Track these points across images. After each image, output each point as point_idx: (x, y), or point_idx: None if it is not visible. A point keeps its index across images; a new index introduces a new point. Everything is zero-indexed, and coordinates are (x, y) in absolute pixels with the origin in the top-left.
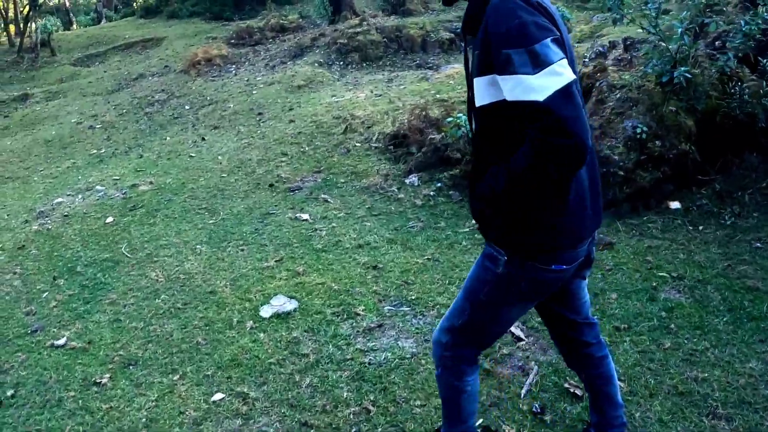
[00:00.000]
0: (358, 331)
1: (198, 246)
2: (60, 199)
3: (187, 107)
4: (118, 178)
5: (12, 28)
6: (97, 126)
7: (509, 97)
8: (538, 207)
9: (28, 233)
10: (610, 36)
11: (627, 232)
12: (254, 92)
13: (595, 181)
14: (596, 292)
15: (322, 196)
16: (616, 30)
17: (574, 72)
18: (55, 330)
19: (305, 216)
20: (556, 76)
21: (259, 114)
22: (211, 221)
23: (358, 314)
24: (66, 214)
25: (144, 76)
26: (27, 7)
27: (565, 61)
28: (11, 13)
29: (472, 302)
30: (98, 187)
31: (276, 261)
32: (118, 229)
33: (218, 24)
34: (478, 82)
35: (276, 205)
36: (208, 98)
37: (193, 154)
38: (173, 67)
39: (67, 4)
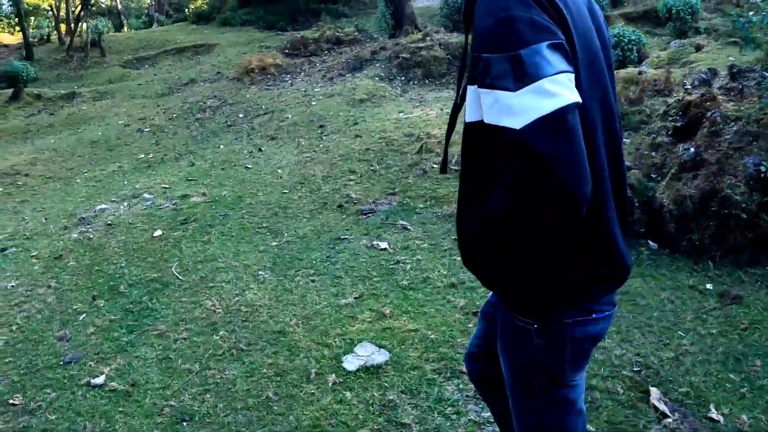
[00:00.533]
0: (467, 396)
1: (261, 272)
2: (103, 206)
3: (241, 115)
4: (167, 186)
5: (63, 27)
6: (146, 130)
7: (485, 118)
8: (546, 250)
9: (67, 242)
10: (698, 63)
11: (752, 284)
12: (313, 103)
13: (624, 208)
14: (737, 356)
15: (401, 222)
16: (703, 56)
17: (603, 96)
18: (92, 364)
19: (383, 245)
20: (545, 96)
21: (321, 127)
22: (274, 243)
23: (464, 373)
24: (109, 222)
25: (195, 81)
26: (79, 7)
27: (565, 77)
28: (62, 13)
29: (531, 398)
30: (146, 195)
31: (355, 297)
32: (168, 245)
33: (272, 33)
34: (469, 90)
35: (348, 230)
36: (264, 107)
37: (249, 166)
38: (226, 73)
39: (119, 6)
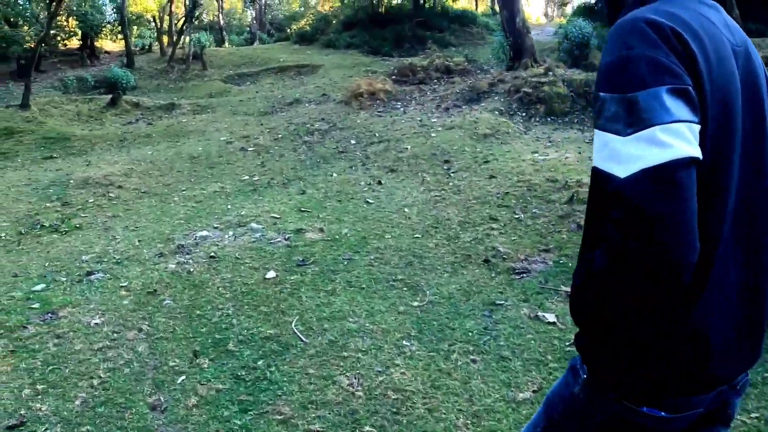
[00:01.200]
0: None
1: (405, 342)
2: (205, 233)
3: (353, 141)
4: (277, 216)
5: (165, 38)
6: (250, 149)
7: (595, 161)
8: (630, 320)
9: (163, 273)
10: None
11: None
12: (433, 135)
13: (758, 297)
14: None
15: (563, 288)
16: None
17: (748, 152)
18: None
19: (549, 317)
20: (655, 146)
21: (446, 162)
22: (414, 303)
23: None
24: (212, 254)
25: (300, 101)
26: (182, 20)
27: (683, 127)
28: (165, 24)
29: (547, 418)
30: (253, 225)
31: (533, 391)
32: (284, 292)
33: (377, 58)
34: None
35: (501, 292)
36: (377, 135)
37: (370, 200)
38: (332, 96)
39: (221, 21)
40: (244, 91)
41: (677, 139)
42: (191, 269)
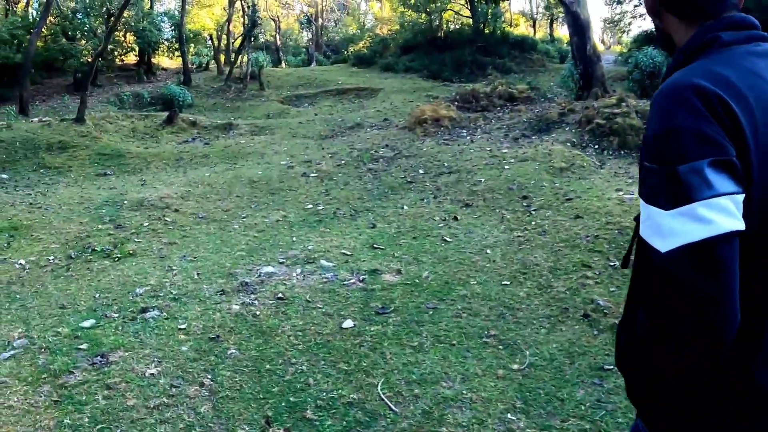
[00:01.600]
0: None
1: (511, 416)
2: (270, 269)
3: (421, 171)
4: (348, 253)
5: (222, 57)
6: (312, 175)
7: (640, 229)
8: (675, 380)
9: (225, 315)
10: None
11: None
12: (506, 167)
13: None
14: None
15: None
16: None
17: None
18: None
19: None
20: (696, 222)
21: (524, 197)
22: (514, 365)
23: None
24: (280, 295)
25: (361, 126)
26: (239, 39)
27: (726, 201)
28: (222, 43)
29: None
30: (323, 262)
31: None
32: (365, 346)
33: (437, 83)
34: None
35: (608, 355)
36: (446, 165)
37: (447, 238)
38: (394, 121)
39: (278, 42)
40: (303, 113)
41: (719, 214)
42: (257, 312)
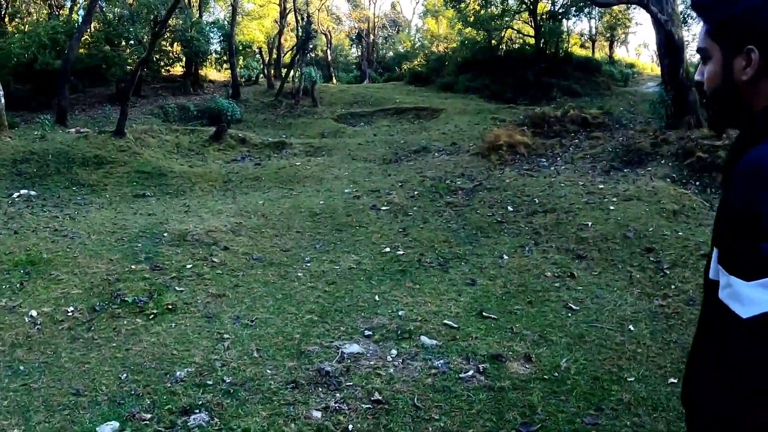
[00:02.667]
0: None
1: None
2: (354, 347)
3: (509, 208)
4: (453, 324)
5: (272, 71)
6: (383, 208)
7: (720, 292)
8: None
9: (302, 425)
10: None
11: None
12: (610, 208)
13: None
14: None
15: None
16: None
17: None
18: None
19: None
20: None
21: (649, 250)
22: None
23: None
24: (376, 396)
25: (428, 150)
26: (292, 52)
27: None
28: (273, 56)
29: None
30: (424, 339)
31: None
32: None
33: (501, 105)
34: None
35: None
36: (537, 201)
37: (572, 305)
38: (463, 146)
39: (329, 57)
40: (360, 133)
41: None
42: (349, 426)
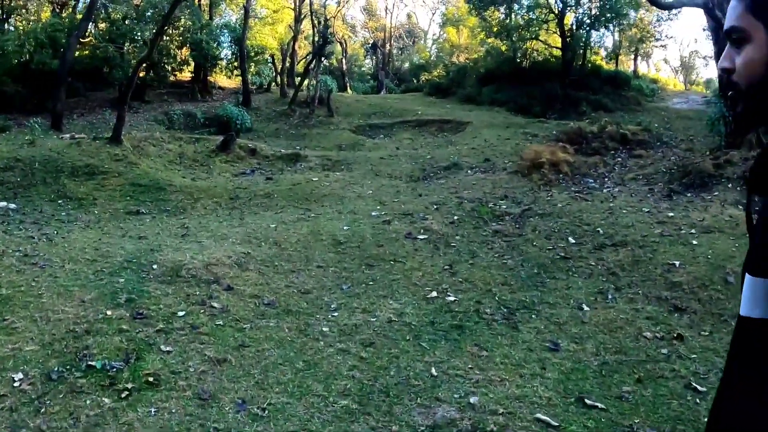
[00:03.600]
0: None
1: None
2: None
3: (571, 240)
4: (551, 423)
5: (285, 79)
6: (420, 237)
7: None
8: None
9: None
10: None
11: None
12: (693, 242)
13: None
14: None
15: None
16: None
17: None
18: None
19: None
20: None
21: None
22: None
23: None
24: None
25: (459, 167)
26: (308, 58)
27: None
28: (287, 63)
29: None
30: None
31: None
32: None
33: (531, 119)
34: (751, 282)
35: None
36: (601, 231)
37: (697, 386)
38: (497, 162)
39: (344, 66)
40: (381, 146)
41: None
42: None
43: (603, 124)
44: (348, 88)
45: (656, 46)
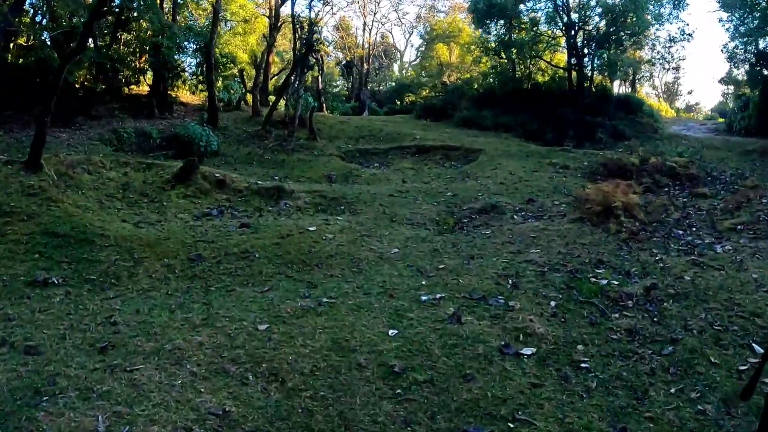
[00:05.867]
0: None
1: None
2: None
3: (758, 349)
4: None
5: (257, 96)
6: (524, 352)
7: None
8: None
9: None
10: None
11: None
12: None
13: None
14: None
15: None
16: None
17: None
18: None
19: None
20: None
21: None
22: None
23: None
24: None
25: (499, 209)
26: (274, 76)
27: None
28: (260, 78)
29: None
30: None
31: None
32: None
33: (549, 147)
34: None
35: None
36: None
37: None
38: (545, 204)
39: (320, 85)
40: (380, 178)
41: None
42: None
43: (642, 155)
44: (324, 108)
45: (666, 69)
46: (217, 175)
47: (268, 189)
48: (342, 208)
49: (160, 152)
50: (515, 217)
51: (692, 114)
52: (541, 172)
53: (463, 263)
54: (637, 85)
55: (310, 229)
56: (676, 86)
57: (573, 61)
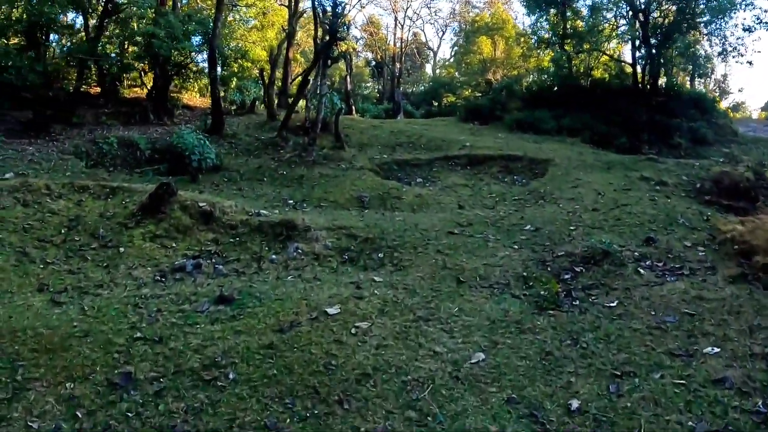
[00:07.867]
0: None
1: None
2: None
3: None
4: None
5: (274, 97)
6: None
7: None
8: None
9: None
10: None
11: None
12: None
13: None
14: None
15: None
16: None
17: None
18: None
19: None
20: None
21: None
22: None
23: None
24: None
25: (616, 260)
26: (296, 72)
27: None
28: (277, 74)
29: None
30: None
31: None
32: None
33: (628, 155)
34: None
35: None
36: None
37: None
38: (672, 243)
39: (349, 85)
40: (429, 201)
41: None
42: None
43: (755, 168)
44: (354, 110)
45: (740, 62)
46: (202, 205)
47: (273, 225)
48: (380, 256)
49: (149, 167)
50: (641, 271)
51: (740, 113)
52: (635, 191)
53: (608, 390)
54: (695, 82)
55: (330, 311)
56: (726, 83)
57: (640, 53)
